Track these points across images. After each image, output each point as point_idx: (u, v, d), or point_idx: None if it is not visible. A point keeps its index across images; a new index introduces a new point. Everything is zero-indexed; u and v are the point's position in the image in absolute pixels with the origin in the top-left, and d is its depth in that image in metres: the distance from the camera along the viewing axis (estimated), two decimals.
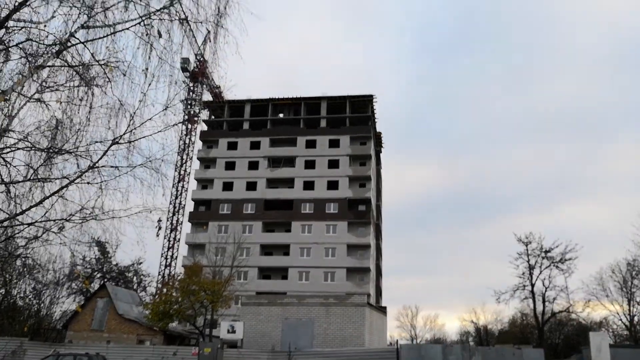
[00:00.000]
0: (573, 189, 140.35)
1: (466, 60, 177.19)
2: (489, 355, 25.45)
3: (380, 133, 75.87)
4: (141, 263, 51.43)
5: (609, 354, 25.00)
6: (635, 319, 46.36)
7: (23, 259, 11.05)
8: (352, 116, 66.94)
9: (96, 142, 9.81)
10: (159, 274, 58.41)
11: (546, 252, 41.50)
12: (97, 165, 9.89)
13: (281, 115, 70.85)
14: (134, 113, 9.95)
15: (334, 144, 65.29)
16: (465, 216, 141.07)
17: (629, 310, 45.76)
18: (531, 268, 41.93)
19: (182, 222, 62.97)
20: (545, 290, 42.00)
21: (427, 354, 25.66)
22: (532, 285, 41.97)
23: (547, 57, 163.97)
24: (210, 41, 10.07)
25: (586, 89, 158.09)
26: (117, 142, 9.93)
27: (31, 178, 9.68)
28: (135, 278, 51.84)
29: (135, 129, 10.05)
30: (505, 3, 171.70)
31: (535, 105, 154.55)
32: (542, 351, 25.61)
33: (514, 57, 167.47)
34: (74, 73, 9.43)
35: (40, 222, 9.90)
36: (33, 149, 9.46)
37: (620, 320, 47.53)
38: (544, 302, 42.20)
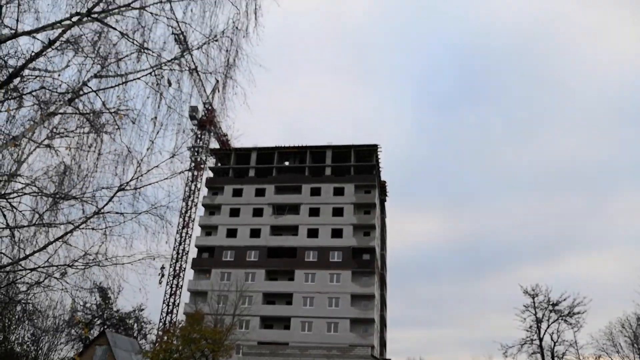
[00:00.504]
0: (579, 241, 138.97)
1: (469, 113, 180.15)
2: None
3: (384, 182, 76.07)
4: (143, 310, 50.76)
5: None
6: None
7: (23, 305, 10.94)
8: (357, 165, 67.40)
9: (103, 188, 9.91)
10: (160, 321, 57.43)
11: (554, 305, 40.60)
12: (102, 211, 9.96)
13: (287, 163, 71.46)
14: (141, 160, 10.09)
15: (338, 192, 65.40)
16: (470, 267, 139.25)
17: None
18: (539, 321, 40.92)
19: (185, 268, 62.49)
20: (554, 345, 40.83)
21: None
22: (540, 340, 40.84)
23: (549, 112, 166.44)
24: (219, 91, 10.33)
25: (588, 142, 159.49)
26: (123, 189, 10.03)
27: (36, 223, 9.74)
28: (136, 325, 50.98)
29: (141, 175, 10.17)
30: (507, 59, 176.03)
31: (538, 158, 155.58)
32: None
33: (516, 111, 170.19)
34: (85, 120, 9.66)
35: (43, 267, 9.89)
36: (40, 194, 9.56)
37: None
38: (552, 357, 40.91)
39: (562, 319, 40.37)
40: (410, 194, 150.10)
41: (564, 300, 40.67)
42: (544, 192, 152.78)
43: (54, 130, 9.86)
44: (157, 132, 9.88)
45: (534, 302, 41.48)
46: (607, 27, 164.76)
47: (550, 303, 40.85)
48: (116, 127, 9.96)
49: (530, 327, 41.27)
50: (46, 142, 9.74)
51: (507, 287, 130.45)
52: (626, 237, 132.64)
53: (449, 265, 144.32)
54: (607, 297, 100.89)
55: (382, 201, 78.64)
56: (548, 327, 40.96)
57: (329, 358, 29.41)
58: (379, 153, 68.98)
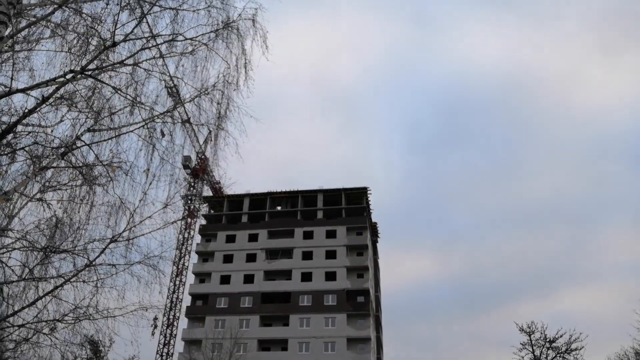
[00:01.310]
0: (572, 275, 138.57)
1: (454, 156, 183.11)
2: None
3: (375, 223, 76.09)
4: None
5: None
6: None
7: None
8: (348, 207, 67.62)
9: (95, 240, 9.89)
10: None
11: (551, 342, 39.86)
12: (94, 263, 9.89)
13: (279, 207, 71.53)
14: (134, 211, 10.10)
15: (330, 234, 65.27)
16: (463, 305, 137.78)
17: None
18: (536, 359, 40.16)
19: (178, 317, 61.21)
20: None
21: None
22: None
23: (533, 150, 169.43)
24: (211, 141, 10.51)
25: (569, 178, 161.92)
26: (116, 240, 10.00)
27: (26, 277, 9.63)
28: None
29: (134, 226, 10.16)
30: (487, 105, 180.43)
31: (520, 196, 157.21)
32: None
33: (497, 152, 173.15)
34: (78, 173, 9.73)
35: (32, 323, 9.71)
36: (30, 248, 9.51)
37: None
38: None
39: (560, 356, 39.63)
40: (401, 235, 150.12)
41: (561, 336, 39.98)
42: (531, 228, 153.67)
43: (46, 183, 9.93)
44: (150, 184, 9.95)
45: (530, 340, 40.75)
46: (581, 70, 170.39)
47: (547, 340, 40.15)
48: (109, 179, 10.04)
49: None
50: (38, 195, 9.79)
51: (501, 324, 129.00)
52: (614, 269, 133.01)
53: (443, 304, 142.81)
54: (603, 331, 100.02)
55: (374, 242, 78.40)
56: None
57: None
58: (369, 195, 69.42)
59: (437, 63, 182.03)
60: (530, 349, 40.59)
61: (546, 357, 40.33)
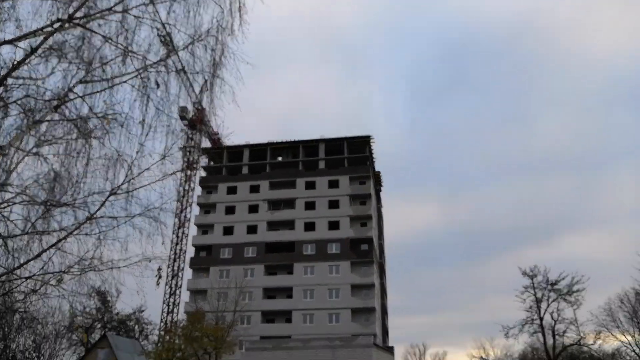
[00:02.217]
0: (573, 222, 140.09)
1: (461, 103, 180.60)
2: None
3: (379, 172, 76.17)
4: (143, 311, 50.79)
5: None
6: None
7: (21, 313, 10.93)
8: (351, 157, 67.46)
9: (94, 193, 9.87)
10: (161, 322, 57.46)
11: (552, 284, 40.86)
12: (95, 216, 9.92)
13: (280, 158, 71.40)
14: (132, 163, 10.04)
15: (333, 184, 65.47)
16: (468, 252, 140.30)
17: None
18: (538, 301, 41.20)
19: (183, 268, 62.55)
20: (555, 324, 41.16)
21: None
22: (541, 319, 41.14)
23: (543, 94, 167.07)
24: (207, 90, 10.28)
25: (578, 125, 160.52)
26: (115, 193, 9.99)
27: (29, 231, 9.69)
28: (137, 327, 51.03)
29: (133, 179, 10.13)
30: (496, 50, 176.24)
31: (529, 143, 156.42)
32: None
33: (506, 97, 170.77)
34: (72, 126, 9.59)
35: (39, 275, 9.87)
36: (31, 202, 9.51)
37: (634, 351, 46.49)
38: (553, 335, 41.29)
39: (561, 298, 40.68)
40: (405, 184, 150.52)
41: (563, 279, 40.97)
42: (536, 176, 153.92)
43: (42, 137, 9.79)
44: (147, 135, 9.81)
45: (533, 283, 41.77)
46: (593, 14, 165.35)
47: (549, 283, 41.15)
48: (104, 131, 9.90)
49: (530, 307, 41.58)
50: (34, 150, 9.67)
51: (505, 270, 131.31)
52: (619, 214, 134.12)
53: (447, 252, 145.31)
54: (605, 275, 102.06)
55: (378, 191, 78.81)
56: (548, 306, 41.29)
57: (331, 348, 29.57)
58: (372, 144, 69.08)
59: (441, 8, 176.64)
60: (533, 292, 41.60)
61: (547, 299, 41.39)
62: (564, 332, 41.65)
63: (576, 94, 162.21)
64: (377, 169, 74.56)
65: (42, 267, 9.91)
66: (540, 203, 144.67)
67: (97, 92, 9.15)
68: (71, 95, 9.03)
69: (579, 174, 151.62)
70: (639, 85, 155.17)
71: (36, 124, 9.18)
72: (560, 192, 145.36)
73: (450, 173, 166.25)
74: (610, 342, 47.22)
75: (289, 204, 65.69)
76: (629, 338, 45.90)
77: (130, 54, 8.82)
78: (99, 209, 9.83)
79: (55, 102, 8.99)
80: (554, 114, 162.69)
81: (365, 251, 61.53)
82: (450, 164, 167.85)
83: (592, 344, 43.20)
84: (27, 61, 8.64)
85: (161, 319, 58.08)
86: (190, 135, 61.56)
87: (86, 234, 10.00)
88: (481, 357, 69.61)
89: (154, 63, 9.11)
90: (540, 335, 41.88)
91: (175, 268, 61.79)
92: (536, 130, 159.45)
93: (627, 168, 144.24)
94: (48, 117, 9.22)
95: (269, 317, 59.70)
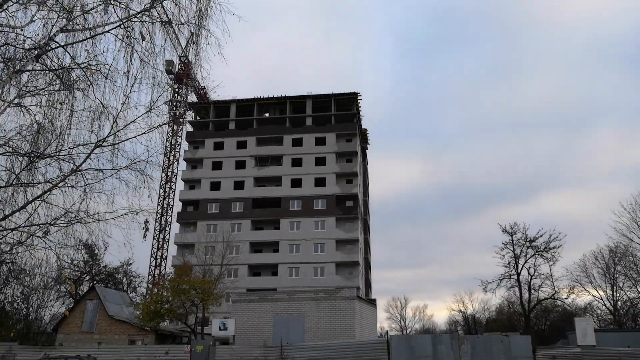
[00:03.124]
0: (554, 180, 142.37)
1: (446, 60, 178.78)
2: (477, 344, 25.80)
3: (365, 130, 76.16)
4: (131, 264, 51.23)
5: (594, 338, 25.55)
6: (619, 303, 47.29)
7: (8, 264, 11.00)
8: (338, 114, 67.16)
9: (79, 145, 9.81)
10: (149, 275, 58.22)
11: (531, 241, 41.99)
12: (80, 168, 9.90)
13: (267, 114, 70.83)
14: (117, 116, 9.97)
15: (320, 141, 65.46)
16: (450, 210, 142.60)
17: (613, 295, 46.68)
18: (517, 257, 42.43)
19: (171, 222, 62.86)
20: (531, 279, 42.58)
21: (417, 344, 25.99)
22: (518, 274, 42.49)
23: (524, 55, 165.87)
24: (192, 43, 10.12)
25: (563, 84, 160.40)
26: (101, 145, 9.94)
27: (13, 183, 9.65)
28: (125, 279, 51.61)
29: (118, 131, 10.07)
30: (483, 6, 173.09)
31: (514, 101, 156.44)
32: (529, 338, 26.00)
33: (492, 56, 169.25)
34: (55, 77, 9.43)
35: (24, 227, 9.89)
36: (14, 154, 9.44)
37: (604, 305, 48.50)
38: (529, 290, 42.81)
39: (538, 254, 41.88)
40: (391, 141, 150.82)
41: (541, 236, 42.07)
42: (518, 135, 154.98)
43: (24, 88, 9.62)
44: (132, 87, 9.73)
45: (512, 240, 42.86)
46: None
47: (528, 240, 42.24)
48: (88, 83, 9.76)
49: (509, 263, 42.83)
50: (16, 101, 9.53)
51: (485, 227, 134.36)
52: (597, 174, 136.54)
53: (430, 209, 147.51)
54: (581, 233, 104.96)
55: (364, 149, 79.02)
56: (525, 262, 42.55)
57: (316, 300, 30.38)
58: (359, 101, 68.64)
59: None
60: (512, 248, 42.71)
61: (525, 256, 42.61)
62: (540, 286, 43.20)
63: (561, 53, 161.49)
64: (363, 126, 74.51)
65: (28, 219, 9.91)
66: (521, 162, 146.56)
67: (79, 41, 8.97)
68: (52, 45, 8.85)
69: (561, 133, 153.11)
70: (625, 45, 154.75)
71: (17, 74, 9.01)
72: (541, 151, 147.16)
73: (434, 132, 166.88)
74: (583, 297, 49.30)
75: (276, 160, 65.77)
76: (601, 293, 47.80)
77: (112, 2, 8.63)
78: (84, 161, 9.80)
79: (36, 52, 8.81)
80: (538, 74, 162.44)
81: (350, 207, 62.33)
82: (435, 123, 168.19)
83: (565, 298, 44.97)
84: (4, 6, 8.40)
85: (149, 272, 58.84)
86: (177, 90, 60.79)
87: (72, 186, 9.98)
88: (460, 310, 72.17)
89: (138, 13, 8.93)
90: (517, 289, 43.40)
91: (163, 222, 62.10)
92: (520, 90, 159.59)
93: (608, 128, 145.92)
94: (29, 67, 9.05)
95: (255, 270, 60.88)
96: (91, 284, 42.02)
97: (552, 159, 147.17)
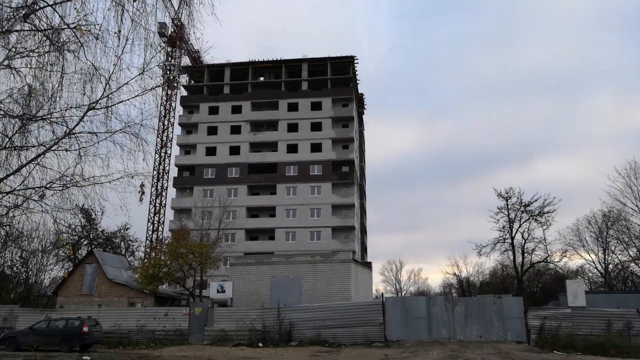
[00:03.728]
0: (551, 145, 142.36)
1: (443, 23, 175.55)
2: (471, 305, 26.34)
3: (362, 94, 75.51)
4: (128, 229, 51.51)
5: (585, 299, 26.13)
6: (610, 266, 48.20)
7: (6, 228, 11.05)
8: (334, 78, 66.42)
9: (71, 107, 9.71)
10: (146, 239, 58.70)
11: (525, 206, 42.29)
12: (73, 131, 9.83)
13: (262, 78, 69.98)
14: (109, 78, 9.84)
15: (316, 106, 64.96)
16: (446, 175, 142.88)
17: (604, 258, 47.52)
18: (511, 222, 42.82)
19: (167, 187, 62.98)
20: (525, 243, 43.11)
21: (411, 305, 26.53)
22: (512, 238, 42.99)
23: (523, 18, 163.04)
24: (185, 4, 9.93)
25: (562, 48, 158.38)
26: (94, 108, 9.85)
27: (6, 146, 9.58)
28: (122, 244, 52.02)
29: (111, 94, 9.97)
30: None
31: (510, 65, 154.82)
32: (521, 299, 26.54)
33: (489, 18, 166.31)
34: (44, 38, 9.24)
35: (20, 190, 9.87)
36: (6, 116, 9.33)
37: (596, 268, 49.41)
38: (523, 253, 43.41)
39: (532, 219, 42.28)
40: (387, 106, 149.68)
41: (535, 201, 42.34)
42: (515, 99, 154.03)
43: (13, 49, 9.44)
44: (123, 48, 9.56)
45: (507, 204, 43.14)
46: None
47: (522, 204, 42.54)
48: (78, 44, 9.57)
49: (503, 227, 43.24)
50: (6, 62, 9.37)
51: (480, 192, 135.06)
52: (593, 139, 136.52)
53: (425, 174, 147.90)
54: (575, 198, 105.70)
55: (360, 114, 78.55)
56: (519, 226, 42.97)
57: (312, 263, 30.82)
58: (355, 65, 67.74)
59: None
60: (506, 213, 43.05)
61: (520, 220, 43.01)
62: (533, 250, 43.79)
63: (561, 17, 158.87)
64: (360, 91, 73.83)
65: (23, 182, 9.89)
66: (517, 127, 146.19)
67: (68, 0, 8.75)
68: (40, 4, 8.64)
69: (558, 97, 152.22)
70: (626, 9, 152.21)
71: (5, 34, 8.83)
72: (538, 115, 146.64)
73: (430, 97, 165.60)
74: (575, 260, 50.24)
75: (272, 125, 65.41)
76: (593, 256, 48.60)
77: None
78: (77, 124, 9.73)
79: (24, 11, 8.61)
80: (537, 37, 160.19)
81: (346, 173, 62.48)
82: (431, 87, 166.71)
83: (558, 262, 45.68)
84: None
85: (146, 237, 59.32)
86: (170, 53, 59.73)
87: (66, 150, 9.94)
88: (454, 273, 73.39)
89: None
90: (510, 253, 43.99)
91: (159, 187, 62.19)
92: (518, 53, 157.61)
93: (606, 93, 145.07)
94: (17, 27, 8.86)
95: (252, 234, 61.46)
96: (89, 248, 42.37)
97: (548, 123, 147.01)
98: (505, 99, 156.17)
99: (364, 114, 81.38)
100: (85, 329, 23.69)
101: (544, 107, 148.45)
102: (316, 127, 64.01)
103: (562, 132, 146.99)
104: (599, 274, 49.77)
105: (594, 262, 48.92)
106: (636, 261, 45.10)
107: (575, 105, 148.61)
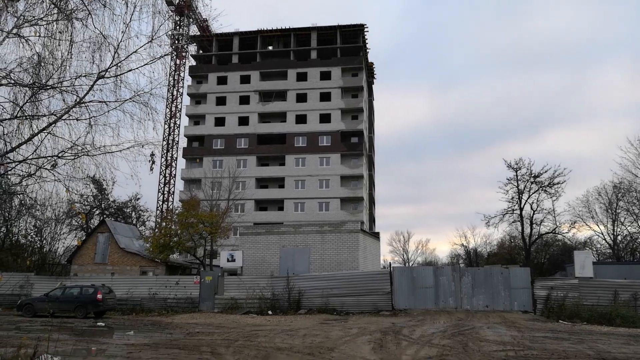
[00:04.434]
0: (563, 116, 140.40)
1: None
2: (478, 275, 26.56)
3: (372, 64, 74.53)
4: (139, 199, 52.12)
5: (592, 270, 26.22)
6: (619, 238, 48.08)
7: (19, 197, 11.24)
8: (343, 47, 65.50)
9: (81, 76, 9.73)
10: (157, 209, 59.37)
11: (535, 177, 42.04)
12: (84, 100, 9.86)
13: (270, 47, 69.17)
14: (118, 46, 9.84)
15: (325, 76, 64.34)
16: (454, 146, 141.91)
17: (613, 230, 47.36)
18: (520, 193, 42.66)
19: (176, 158, 63.27)
20: (533, 214, 43.02)
21: (419, 275, 26.83)
22: (521, 209, 42.89)
23: None
24: None
25: (577, 18, 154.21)
26: (103, 77, 9.86)
27: (18, 115, 9.66)
28: (133, 213, 52.70)
29: (120, 62, 9.96)
30: None
31: (524, 35, 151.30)
32: (528, 270, 26.68)
33: None
34: (52, 5, 9.20)
35: (32, 159, 9.98)
36: (17, 85, 9.37)
37: (604, 239, 49.30)
38: (531, 224, 43.38)
39: (542, 190, 42.09)
40: (397, 77, 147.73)
41: (545, 172, 42.06)
42: (527, 70, 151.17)
43: (22, 17, 9.42)
44: (132, 15, 9.54)
45: (516, 175, 42.92)
46: None
47: (532, 175, 42.31)
48: (87, 12, 9.54)
49: (512, 198, 43.12)
50: (15, 31, 9.36)
51: (489, 164, 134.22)
52: (606, 110, 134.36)
53: (434, 145, 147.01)
54: (586, 170, 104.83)
55: (370, 84, 77.73)
56: (529, 197, 42.84)
57: (321, 233, 31.10)
58: (365, 34, 66.65)
59: None
60: (516, 184, 42.85)
61: (529, 191, 42.82)
62: (542, 221, 43.76)
63: None
64: (370, 60, 72.83)
65: (35, 151, 9.98)
66: (529, 98, 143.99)
67: None
68: None
69: (571, 69, 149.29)
70: None
71: (13, 1, 8.81)
72: (550, 86, 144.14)
73: (442, 67, 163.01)
74: (584, 232, 50.16)
75: (280, 95, 65.03)
76: (602, 228, 48.45)
77: None
78: (87, 92, 9.76)
79: None
80: (551, 5, 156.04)
81: (355, 144, 62.27)
82: (443, 57, 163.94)
83: (566, 233, 45.66)
84: None
85: (157, 207, 59.97)
86: (178, 22, 59.08)
87: (77, 119, 9.99)
88: (462, 244, 73.70)
89: None
90: (519, 224, 43.97)
91: (169, 158, 62.50)
92: (531, 23, 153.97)
93: (619, 64, 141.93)
94: None
95: (262, 205, 61.93)
96: (101, 217, 42.98)
97: (561, 94, 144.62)
98: (517, 69, 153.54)
99: (373, 83, 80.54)
100: (99, 296, 24.25)
101: (557, 78, 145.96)
102: (325, 97, 63.55)
103: (575, 103, 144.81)
104: (607, 246, 49.74)
105: (602, 234, 48.85)
106: None
107: (588, 76, 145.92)
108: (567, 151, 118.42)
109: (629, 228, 46.62)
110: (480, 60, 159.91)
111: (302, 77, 64.72)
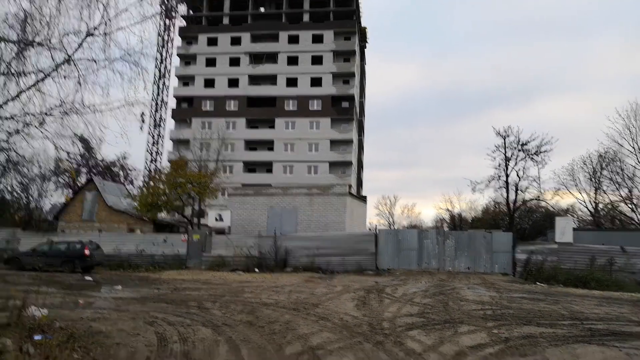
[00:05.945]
0: (555, 86, 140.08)
1: None
2: (461, 239, 27.29)
3: (365, 28, 73.56)
4: (126, 158, 51.82)
5: (572, 235, 27.03)
6: (600, 206, 49.10)
7: (6, 153, 11.31)
8: (336, 10, 64.41)
9: (69, 33, 9.69)
10: (145, 169, 59.29)
11: (523, 145, 42.28)
12: (72, 58, 9.85)
13: (262, 9, 67.80)
14: (107, 3, 9.76)
15: (317, 39, 63.48)
16: (445, 112, 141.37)
17: (595, 198, 48.29)
18: (507, 160, 42.96)
19: (165, 119, 62.83)
20: (519, 181, 43.50)
21: (403, 237, 27.52)
22: (507, 176, 43.29)
23: None
24: None
25: None
26: (92, 34, 9.83)
27: (4, 72, 9.64)
28: (121, 172, 52.51)
29: (109, 20, 9.91)
30: None
31: (524, 3, 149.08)
32: (510, 234, 27.39)
33: None
34: None
35: (20, 116, 10.02)
36: (2, 41, 9.33)
37: (586, 207, 50.32)
38: (516, 191, 43.91)
39: (529, 157, 42.48)
40: (391, 42, 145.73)
41: (533, 140, 42.27)
42: (523, 38, 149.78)
43: None
44: None
45: (504, 143, 43.13)
46: None
47: (520, 143, 42.59)
48: None
49: (499, 165, 43.42)
50: None
51: (479, 131, 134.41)
52: (599, 81, 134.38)
53: (426, 111, 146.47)
54: (576, 139, 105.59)
55: (362, 48, 76.89)
56: (515, 164, 43.24)
57: (309, 195, 31.55)
58: None
59: None
60: (503, 151, 43.19)
61: (516, 158, 43.25)
62: (527, 188, 44.28)
63: None
64: (363, 24, 71.85)
65: (22, 109, 10.00)
66: (522, 66, 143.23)
67: None
68: None
69: (567, 37, 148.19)
70: None
71: None
72: (545, 55, 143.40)
73: (435, 34, 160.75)
74: (567, 199, 50.95)
75: (271, 57, 64.21)
76: (584, 196, 49.32)
77: None
78: (76, 50, 9.74)
79: None
80: None
81: (345, 109, 62.15)
82: (437, 23, 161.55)
83: (550, 200, 46.45)
84: None
85: (145, 167, 59.89)
86: None
87: (65, 77, 9.98)
88: (447, 208, 74.73)
89: None
90: (504, 190, 44.57)
91: (157, 118, 62.02)
92: None
93: (615, 34, 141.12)
94: None
95: (250, 167, 62.11)
96: (89, 176, 42.89)
97: (555, 63, 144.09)
98: (517, 38, 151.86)
99: (366, 48, 79.67)
100: (86, 251, 24.59)
101: (553, 47, 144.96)
102: (317, 60, 62.91)
103: (569, 72, 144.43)
104: (588, 213, 50.77)
105: (584, 202, 49.79)
106: (626, 201, 45.93)
107: (583, 46, 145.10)
108: (559, 120, 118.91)
109: (610, 197, 47.57)
110: (476, 27, 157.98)
111: (293, 39, 63.82)
